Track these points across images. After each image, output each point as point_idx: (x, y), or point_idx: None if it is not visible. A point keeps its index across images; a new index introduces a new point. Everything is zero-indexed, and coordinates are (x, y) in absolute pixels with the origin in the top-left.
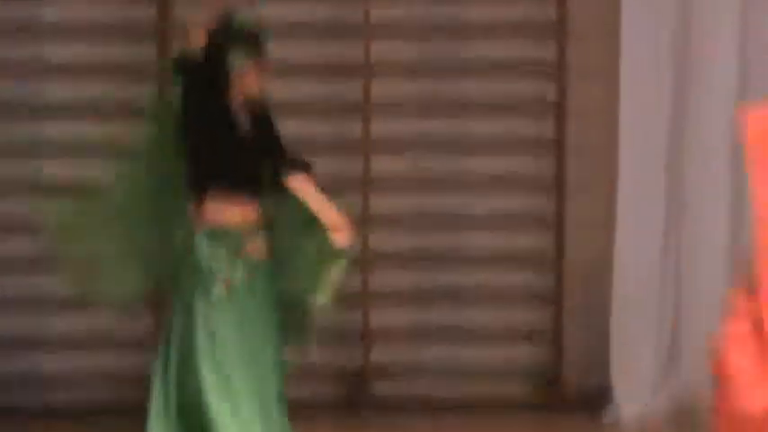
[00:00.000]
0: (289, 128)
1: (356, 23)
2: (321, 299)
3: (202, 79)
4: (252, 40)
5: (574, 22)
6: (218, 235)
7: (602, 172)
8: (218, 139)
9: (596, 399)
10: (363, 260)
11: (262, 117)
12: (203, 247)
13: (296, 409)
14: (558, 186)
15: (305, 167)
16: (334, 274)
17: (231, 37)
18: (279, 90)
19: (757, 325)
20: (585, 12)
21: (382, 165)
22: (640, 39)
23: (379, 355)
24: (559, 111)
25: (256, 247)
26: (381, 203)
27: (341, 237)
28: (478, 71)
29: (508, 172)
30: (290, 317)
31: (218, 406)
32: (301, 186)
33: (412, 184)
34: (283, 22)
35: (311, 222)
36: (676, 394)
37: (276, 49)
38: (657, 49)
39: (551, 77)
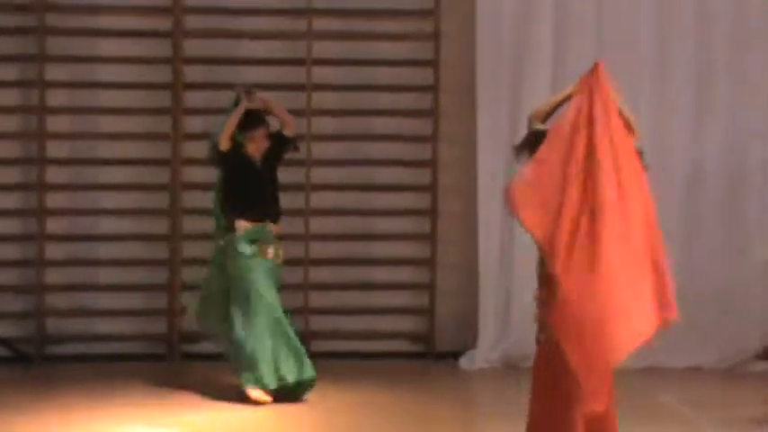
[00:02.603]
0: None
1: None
2: None
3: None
4: (256, 119)
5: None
6: (251, 234)
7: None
8: (245, 181)
9: (458, 352)
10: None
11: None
12: (243, 243)
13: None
14: (432, 192)
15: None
16: None
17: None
18: None
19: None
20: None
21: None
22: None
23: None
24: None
25: (271, 249)
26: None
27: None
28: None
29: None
30: None
31: (261, 323)
32: None
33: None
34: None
35: None
36: (508, 349)
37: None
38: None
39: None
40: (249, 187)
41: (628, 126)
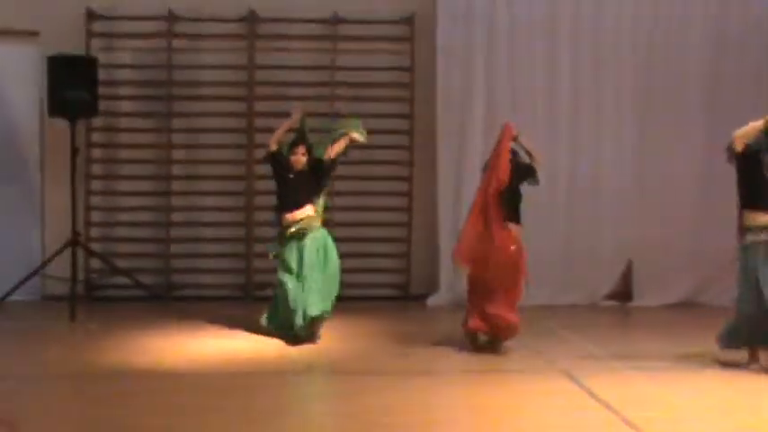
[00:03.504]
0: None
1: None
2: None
3: (280, 160)
4: (298, 136)
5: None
6: (290, 224)
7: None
8: (283, 182)
9: (426, 295)
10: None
11: (308, 169)
12: (290, 230)
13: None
14: (409, 181)
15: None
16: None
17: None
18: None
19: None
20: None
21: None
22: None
23: None
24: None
25: (312, 226)
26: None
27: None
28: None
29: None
30: None
31: (308, 287)
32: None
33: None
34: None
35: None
36: (458, 293)
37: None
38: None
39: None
40: (282, 187)
41: (531, 157)
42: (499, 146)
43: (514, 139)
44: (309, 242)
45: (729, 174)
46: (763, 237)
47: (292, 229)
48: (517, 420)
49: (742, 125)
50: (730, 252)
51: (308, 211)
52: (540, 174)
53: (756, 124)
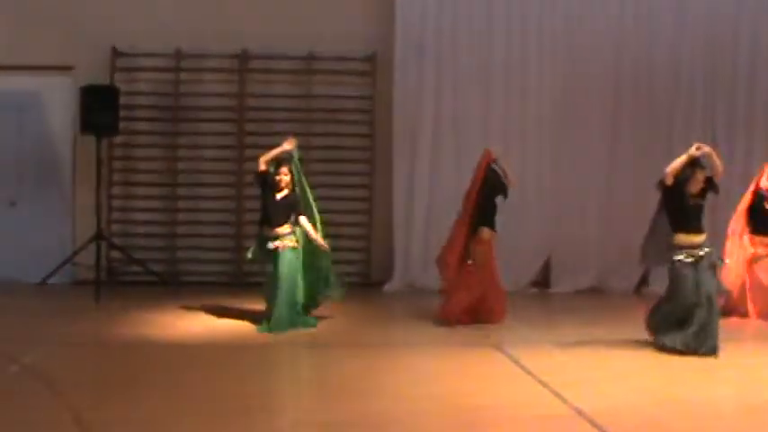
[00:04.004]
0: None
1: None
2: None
3: (267, 180)
4: (284, 160)
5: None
6: (271, 238)
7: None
8: (268, 201)
9: (383, 281)
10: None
11: (291, 193)
12: (268, 242)
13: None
14: (369, 183)
15: (302, 214)
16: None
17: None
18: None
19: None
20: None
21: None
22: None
23: None
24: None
25: (287, 241)
26: None
27: (321, 246)
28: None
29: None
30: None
31: (280, 293)
32: (303, 224)
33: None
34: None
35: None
36: (410, 280)
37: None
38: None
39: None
40: (266, 205)
41: (505, 177)
42: (477, 167)
43: (494, 161)
44: (290, 257)
45: (629, 182)
46: (689, 253)
47: (270, 246)
48: (454, 383)
49: (638, 141)
50: (631, 247)
51: (285, 229)
52: (510, 191)
53: (682, 159)
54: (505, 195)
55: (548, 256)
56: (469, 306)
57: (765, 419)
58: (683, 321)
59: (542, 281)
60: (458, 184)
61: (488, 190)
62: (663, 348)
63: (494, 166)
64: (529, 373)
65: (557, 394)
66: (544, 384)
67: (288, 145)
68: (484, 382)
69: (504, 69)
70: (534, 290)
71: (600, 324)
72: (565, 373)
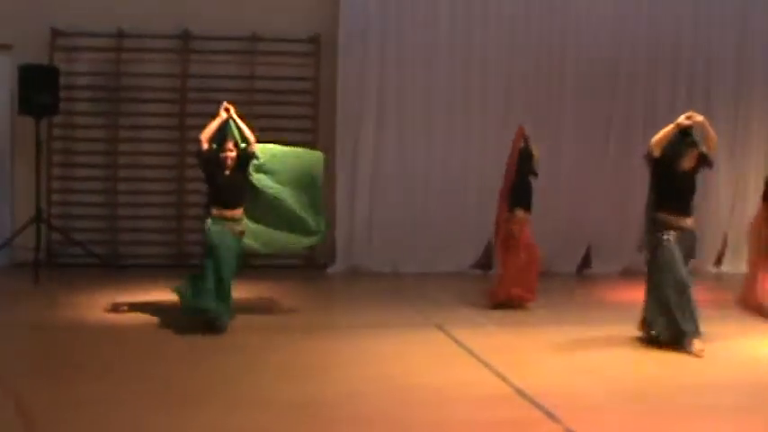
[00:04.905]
0: None
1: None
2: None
3: (212, 158)
4: (227, 133)
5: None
6: (219, 221)
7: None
8: (219, 181)
9: (326, 264)
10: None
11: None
12: (212, 224)
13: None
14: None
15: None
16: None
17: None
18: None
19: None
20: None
21: None
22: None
23: None
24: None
25: (235, 226)
26: None
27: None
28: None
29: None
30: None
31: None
32: (258, 146)
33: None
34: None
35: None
36: (351, 264)
37: None
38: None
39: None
40: (214, 186)
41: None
42: (512, 146)
43: (526, 139)
44: (231, 241)
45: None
46: (674, 235)
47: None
48: (396, 363)
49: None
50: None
51: (238, 213)
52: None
53: (668, 129)
54: (535, 174)
55: (489, 239)
56: (518, 282)
57: (699, 401)
58: (668, 306)
59: (484, 263)
60: (400, 168)
61: (523, 169)
62: (655, 340)
63: (526, 144)
64: (471, 353)
65: (498, 374)
66: (486, 364)
67: (224, 113)
68: (427, 362)
69: (448, 49)
70: (477, 271)
71: (542, 305)
72: (507, 354)
